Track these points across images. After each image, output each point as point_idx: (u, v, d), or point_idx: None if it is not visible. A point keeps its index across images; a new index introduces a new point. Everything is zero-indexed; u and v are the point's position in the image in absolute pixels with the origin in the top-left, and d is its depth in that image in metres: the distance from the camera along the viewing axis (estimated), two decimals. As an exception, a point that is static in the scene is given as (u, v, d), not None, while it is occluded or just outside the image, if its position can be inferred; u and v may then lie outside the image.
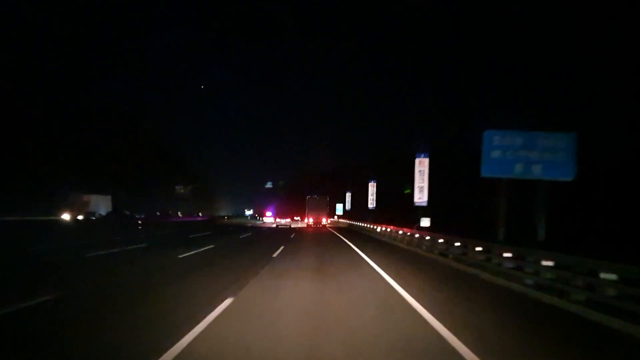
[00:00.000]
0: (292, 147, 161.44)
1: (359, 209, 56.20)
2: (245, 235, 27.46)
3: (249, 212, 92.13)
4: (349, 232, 35.55)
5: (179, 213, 78.10)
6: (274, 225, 46.89)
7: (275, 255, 14.28)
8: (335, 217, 62.53)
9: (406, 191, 43.37)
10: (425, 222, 17.55)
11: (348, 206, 62.22)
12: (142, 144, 59.13)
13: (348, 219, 56.16)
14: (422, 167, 17.19)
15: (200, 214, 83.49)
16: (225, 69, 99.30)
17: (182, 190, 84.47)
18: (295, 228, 40.68)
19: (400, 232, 20.11)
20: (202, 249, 15.69)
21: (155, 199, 72.44)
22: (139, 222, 45.45)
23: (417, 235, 16.67)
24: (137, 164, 58.52)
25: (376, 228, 28.39)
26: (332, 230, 37.32)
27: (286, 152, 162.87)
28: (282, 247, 16.80)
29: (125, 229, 31.45)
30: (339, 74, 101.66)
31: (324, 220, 44.00)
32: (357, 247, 17.50)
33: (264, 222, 60.47)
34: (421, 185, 17.15)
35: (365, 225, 34.51)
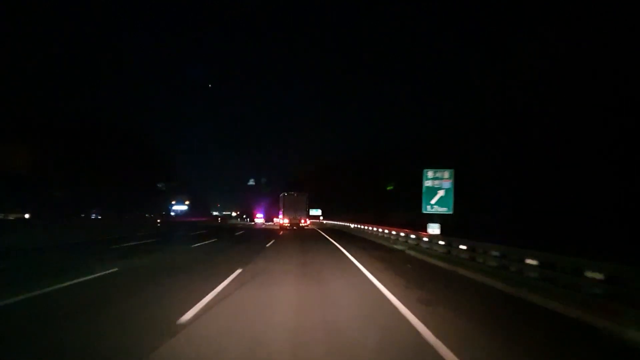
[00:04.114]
0: (275, 145, 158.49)
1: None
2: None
3: (178, 207, 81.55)
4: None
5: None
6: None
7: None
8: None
9: (388, 187, 41.66)
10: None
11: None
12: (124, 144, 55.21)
13: (330, 219, 54.30)
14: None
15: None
16: (206, 66, 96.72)
17: (164, 188, 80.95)
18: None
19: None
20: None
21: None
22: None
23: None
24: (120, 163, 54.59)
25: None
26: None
27: (268, 150, 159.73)
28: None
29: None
30: (320, 71, 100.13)
31: (302, 221, 40.38)
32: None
33: (255, 224, 55.57)
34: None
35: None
